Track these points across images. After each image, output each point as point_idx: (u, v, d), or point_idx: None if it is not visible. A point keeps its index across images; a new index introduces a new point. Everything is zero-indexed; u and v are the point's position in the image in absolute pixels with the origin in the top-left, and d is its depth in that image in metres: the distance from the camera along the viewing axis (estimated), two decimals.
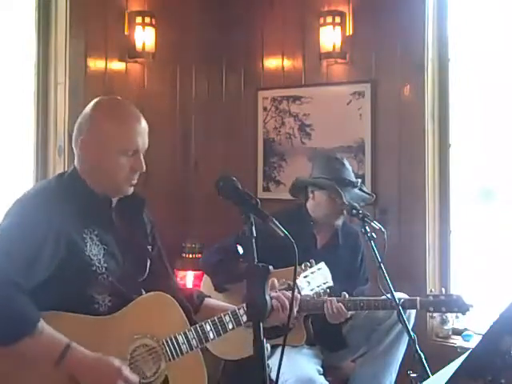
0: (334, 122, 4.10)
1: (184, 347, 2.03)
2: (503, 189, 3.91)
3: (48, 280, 1.91)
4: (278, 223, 1.61)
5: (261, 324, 1.53)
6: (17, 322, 1.82)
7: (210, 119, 4.48)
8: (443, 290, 2.98)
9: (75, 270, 1.95)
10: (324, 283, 2.53)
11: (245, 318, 2.16)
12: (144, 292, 2.12)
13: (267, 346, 1.87)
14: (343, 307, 2.88)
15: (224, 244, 3.07)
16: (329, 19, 4.02)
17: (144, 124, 2.10)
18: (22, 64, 3.76)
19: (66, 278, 1.93)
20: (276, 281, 2.33)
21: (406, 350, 3.04)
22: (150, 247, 2.22)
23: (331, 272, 3.16)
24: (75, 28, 3.70)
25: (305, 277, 2.45)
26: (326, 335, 3.10)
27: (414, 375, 2.51)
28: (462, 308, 2.88)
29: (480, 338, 1.56)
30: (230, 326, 2.12)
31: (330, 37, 4.02)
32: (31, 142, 3.71)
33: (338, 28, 4.00)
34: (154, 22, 4.03)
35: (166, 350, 2.01)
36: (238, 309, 2.16)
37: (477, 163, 3.94)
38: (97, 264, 1.99)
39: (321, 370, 2.98)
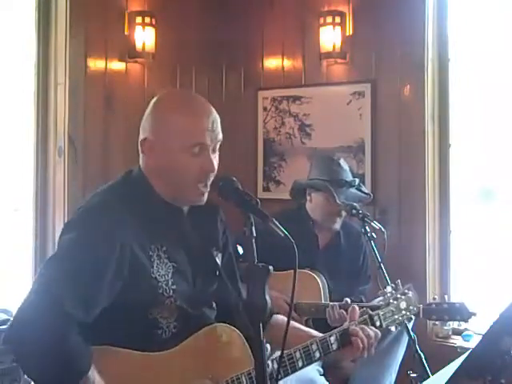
0: (334, 122, 4.10)
1: None
2: (503, 189, 3.91)
3: (107, 307, 1.71)
4: (278, 223, 1.60)
5: (261, 324, 1.52)
6: (65, 368, 1.61)
7: None
8: (446, 297, 2.97)
9: (139, 292, 1.75)
10: (408, 310, 2.25)
11: (335, 346, 1.97)
12: (215, 304, 1.94)
13: (267, 345, 1.86)
14: (345, 313, 2.87)
15: None
16: (329, 19, 4.02)
17: (213, 117, 1.86)
18: (22, 64, 3.76)
19: (127, 301, 1.73)
20: (357, 309, 2.10)
21: (405, 350, 3.04)
22: (220, 254, 1.99)
23: (333, 272, 3.18)
24: (75, 28, 3.70)
25: (388, 304, 2.20)
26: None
27: (414, 375, 2.51)
28: (464, 316, 2.87)
29: (480, 338, 1.56)
30: (300, 364, 1.89)
31: (330, 37, 4.02)
32: (31, 142, 3.71)
33: (338, 28, 4.01)
34: (153, 22, 4.03)
35: None
36: (330, 336, 1.96)
37: (477, 163, 3.94)
38: (164, 286, 1.79)
39: (321, 370, 2.98)
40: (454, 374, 1.48)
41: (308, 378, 2.84)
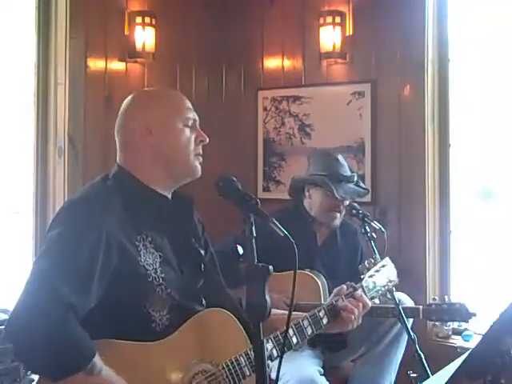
0: (334, 122, 4.10)
1: (246, 370, 1.82)
2: (503, 189, 3.91)
3: (100, 301, 1.72)
4: (278, 224, 1.60)
5: (261, 324, 1.53)
6: (70, 354, 1.60)
7: (210, 119, 4.47)
8: (446, 297, 2.97)
9: (129, 281, 1.76)
10: (389, 281, 2.34)
11: (325, 321, 2.07)
12: (204, 300, 1.97)
13: (267, 346, 1.86)
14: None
15: (224, 246, 3.06)
16: (329, 19, 4.02)
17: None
18: (22, 64, 3.76)
19: (118, 292, 1.73)
20: (345, 287, 2.21)
21: (405, 349, 3.04)
22: (203, 251, 2.03)
23: (331, 270, 3.18)
24: (75, 28, 3.70)
25: (370, 276, 2.29)
26: (326, 335, 3.09)
27: (414, 375, 2.51)
28: (464, 317, 2.86)
29: (480, 338, 1.56)
30: (295, 341, 1.98)
31: (330, 37, 4.02)
32: (31, 142, 3.71)
33: (338, 28, 4.01)
34: (154, 22, 4.04)
35: (227, 375, 1.81)
36: (318, 311, 2.05)
37: (477, 163, 3.94)
38: (153, 274, 1.80)
39: (321, 370, 2.98)
40: (453, 373, 1.48)
41: (308, 378, 2.84)
